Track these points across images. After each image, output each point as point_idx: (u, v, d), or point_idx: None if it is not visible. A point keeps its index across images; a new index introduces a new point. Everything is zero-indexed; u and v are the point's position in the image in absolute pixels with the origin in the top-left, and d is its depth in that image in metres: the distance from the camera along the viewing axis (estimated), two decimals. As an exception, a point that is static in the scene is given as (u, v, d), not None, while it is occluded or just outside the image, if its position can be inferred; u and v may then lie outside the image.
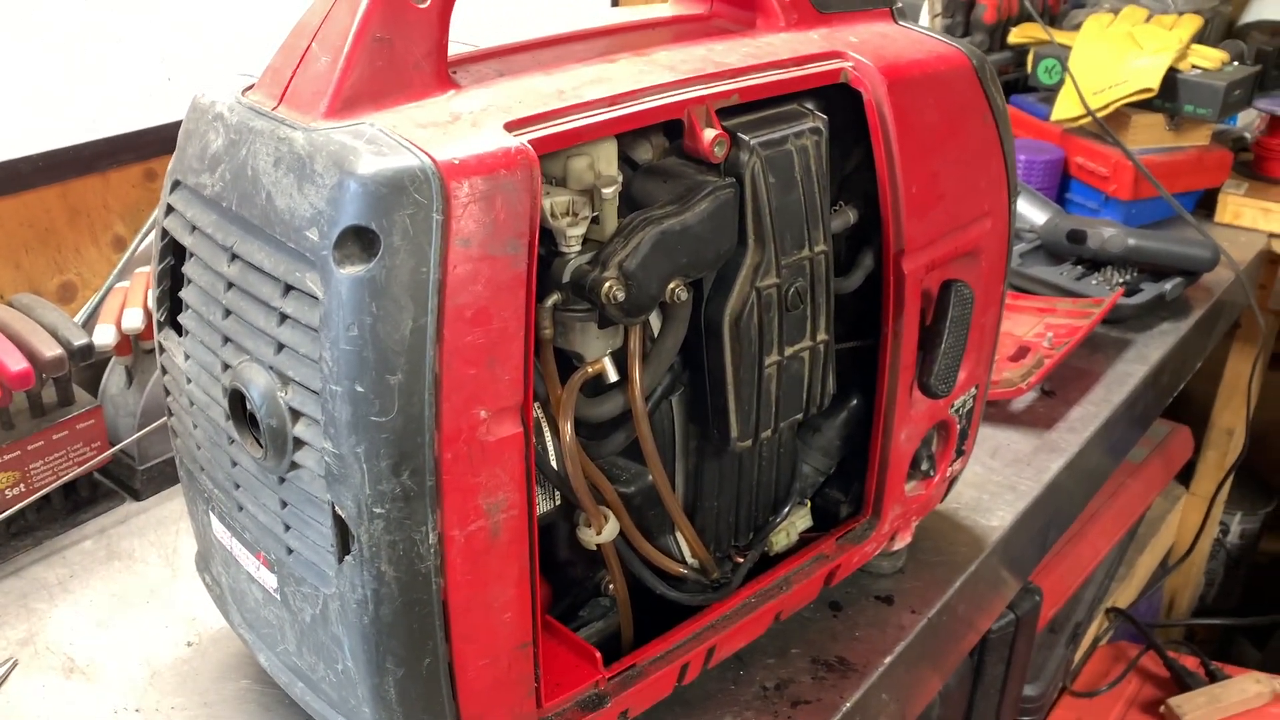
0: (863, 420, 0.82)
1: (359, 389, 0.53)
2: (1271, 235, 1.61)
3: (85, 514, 0.99)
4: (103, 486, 1.02)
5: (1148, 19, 1.62)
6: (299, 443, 0.57)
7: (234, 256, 0.59)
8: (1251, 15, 1.88)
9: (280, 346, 0.57)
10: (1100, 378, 1.24)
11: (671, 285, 0.64)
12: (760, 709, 0.79)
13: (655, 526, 0.74)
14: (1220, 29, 1.85)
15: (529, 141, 0.56)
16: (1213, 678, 1.71)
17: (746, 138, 0.66)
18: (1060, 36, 1.65)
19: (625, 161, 0.67)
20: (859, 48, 0.73)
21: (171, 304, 0.69)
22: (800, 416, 0.75)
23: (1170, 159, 1.56)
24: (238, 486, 0.65)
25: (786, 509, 0.81)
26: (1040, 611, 1.19)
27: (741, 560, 0.79)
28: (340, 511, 0.56)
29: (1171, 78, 1.51)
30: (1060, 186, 1.61)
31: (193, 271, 0.64)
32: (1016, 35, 1.72)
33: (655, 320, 0.69)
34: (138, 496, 1.01)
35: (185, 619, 0.87)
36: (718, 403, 0.71)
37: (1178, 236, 1.42)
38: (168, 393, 0.72)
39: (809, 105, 0.71)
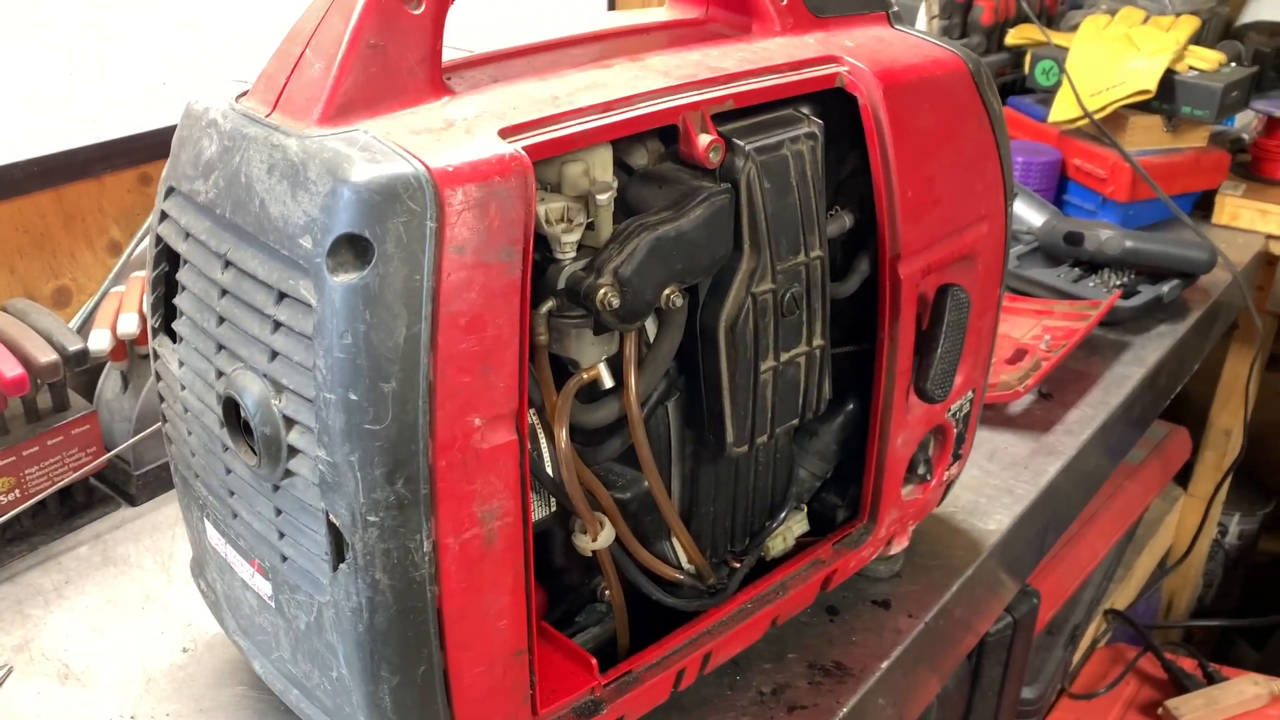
0: (859, 425, 0.82)
1: (353, 397, 0.53)
2: (1269, 236, 1.61)
3: (80, 519, 0.99)
4: (98, 492, 1.02)
5: (1145, 20, 1.62)
6: (293, 450, 0.57)
7: (228, 263, 0.59)
8: (1249, 16, 1.88)
9: (274, 354, 0.56)
10: (1098, 380, 1.24)
11: (667, 291, 0.64)
12: (757, 714, 0.79)
13: (651, 532, 0.73)
14: (1218, 30, 1.85)
15: (523, 148, 0.56)
16: (1210, 679, 1.71)
17: (742, 143, 0.66)
18: (1057, 38, 1.65)
19: (621, 167, 0.67)
20: (854, 52, 0.73)
21: (166, 310, 0.69)
22: (796, 422, 0.75)
23: (1168, 160, 1.56)
24: (232, 494, 0.64)
25: (783, 514, 0.81)
26: (1038, 614, 1.19)
27: (738, 565, 0.79)
28: (334, 519, 0.56)
29: (1169, 79, 1.51)
30: (1058, 188, 1.61)
31: (187, 278, 0.64)
32: (1014, 37, 1.72)
33: (651, 326, 0.69)
34: (133, 502, 1.01)
35: (181, 625, 0.87)
36: (713, 408, 0.70)
37: (1175, 238, 1.42)
38: (162, 399, 0.72)
39: (804, 110, 0.71)
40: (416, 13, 0.58)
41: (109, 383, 1.03)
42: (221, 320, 0.60)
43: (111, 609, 0.89)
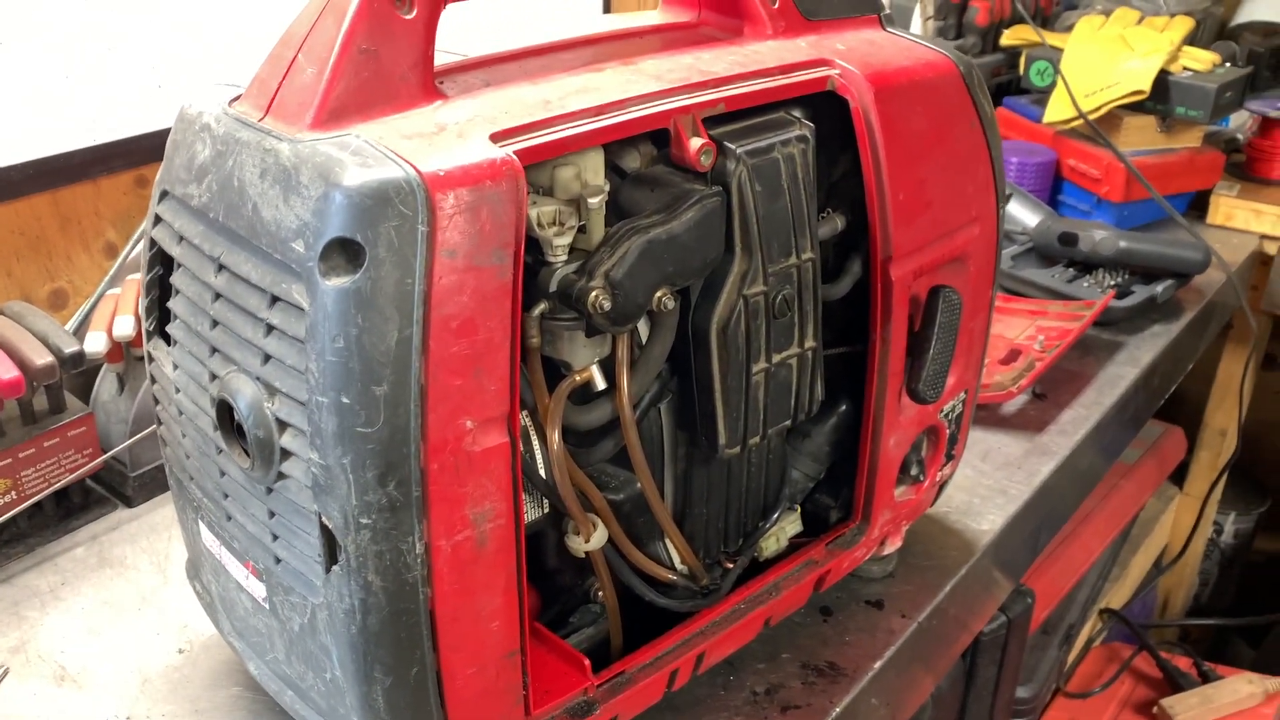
0: (852, 426, 0.82)
1: (345, 400, 0.53)
2: (1263, 236, 1.61)
3: (77, 521, 0.99)
4: (94, 493, 1.02)
5: (1139, 21, 1.62)
6: (286, 453, 0.57)
7: (221, 267, 0.59)
8: (1243, 16, 1.88)
9: (267, 357, 0.57)
10: (1092, 380, 1.24)
11: (658, 294, 0.64)
12: (750, 714, 0.79)
13: (644, 533, 0.74)
14: (1212, 30, 1.85)
15: (515, 152, 0.56)
16: (1205, 678, 1.71)
17: (733, 146, 0.66)
18: (1052, 39, 1.65)
19: (613, 170, 0.67)
20: (846, 55, 0.73)
21: (160, 314, 0.69)
22: (789, 423, 0.76)
23: (1162, 161, 1.56)
24: (226, 496, 0.65)
25: (776, 515, 0.81)
26: (1032, 613, 1.20)
27: (731, 566, 0.79)
28: (327, 522, 0.56)
29: (1163, 80, 1.51)
30: (1052, 189, 1.61)
31: (180, 282, 0.64)
32: (1009, 37, 1.72)
33: (643, 328, 0.69)
34: (129, 503, 1.01)
35: (177, 626, 0.87)
36: (706, 410, 0.71)
37: (1169, 239, 1.42)
38: (157, 402, 0.72)
39: (796, 113, 0.71)
40: (408, 17, 0.58)
41: (105, 385, 1.04)
42: (215, 324, 0.60)
43: (108, 610, 0.89)
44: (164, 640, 0.86)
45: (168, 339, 0.67)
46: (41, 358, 0.93)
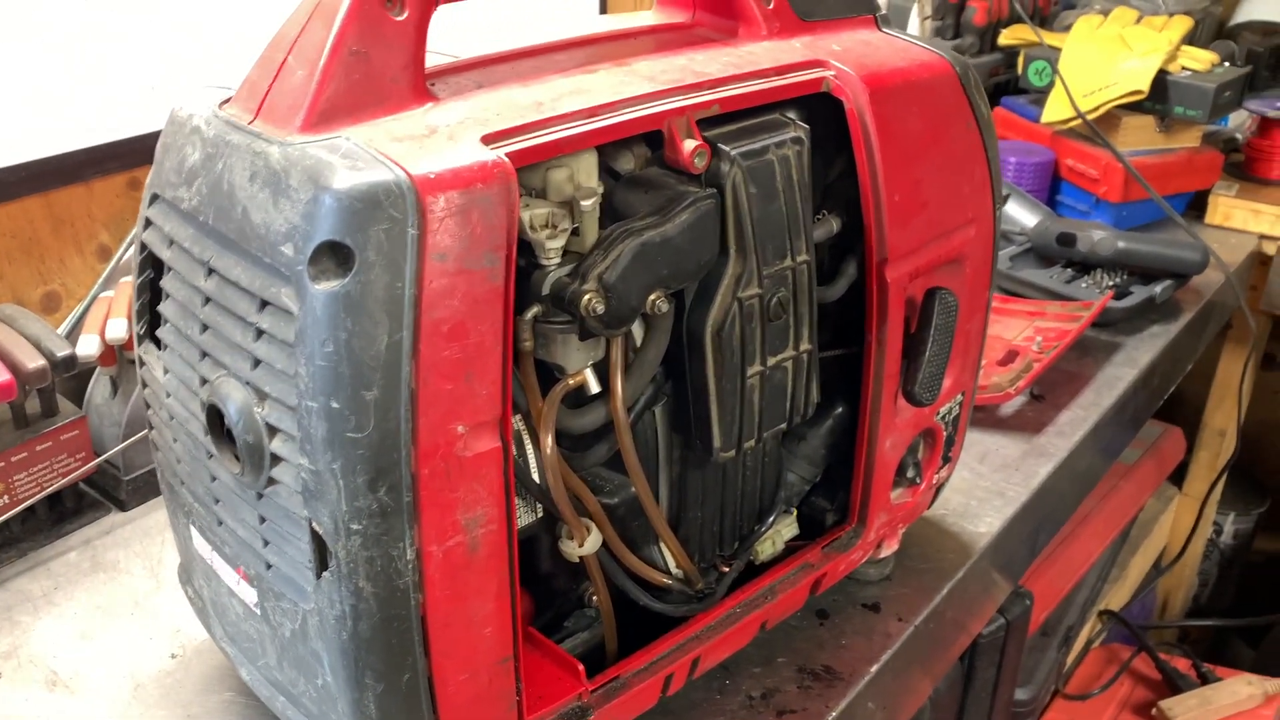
0: (848, 428, 0.82)
1: (334, 405, 0.53)
2: (1262, 236, 1.61)
3: (70, 525, 0.99)
4: (88, 497, 1.02)
5: (1138, 20, 1.62)
6: (276, 458, 0.57)
7: (211, 271, 0.59)
8: (1242, 16, 1.88)
9: (256, 362, 0.56)
10: (1090, 381, 1.24)
11: (652, 297, 0.64)
12: (746, 719, 0.79)
13: (639, 537, 0.73)
14: (1211, 30, 1.85)
15: (506, 154, 0.56)
16: (1204, 679, 1.71)
17: (727, 148, 0.66)
18: (1050, 38, 1.64)
19: (607, 171, 0.66)
20: (841, 56, 0.73)
21: (151, 318, 0.69)
22: (784, 426, 0.75)
23: (1161, 161, 1.56)
24: (217, 501, 0.64)
25: (771, 518, 0.81)
26: (1031, 615, 1.19)
27: (726, 570, 0.78)
28: (317, 527, 0.56)
29: (1162, 79, 1.51)
30: (1051, 189, 1.61)
31: (171, 286, 0.64)
32: (1007, 37, 1.72)
33: (638, 331, 0.69)
34: (123, 507, 1.01)
35: (169, 631, 0.86)
36: (700, 413, 0.70)
37: (1168, 239, 1.42)
38: (148, 406, 0.71)
39: (791, 114, 0.71)
40: (400, 19, 0.58)
41: (98, 388, 1.03)
42: (205, 327, 0.60)
43: (100, 615, 0.89)
44: (156, 645, 0.85)
45: (159, 343, 0.67)
46: (34, 361, 0.93)
